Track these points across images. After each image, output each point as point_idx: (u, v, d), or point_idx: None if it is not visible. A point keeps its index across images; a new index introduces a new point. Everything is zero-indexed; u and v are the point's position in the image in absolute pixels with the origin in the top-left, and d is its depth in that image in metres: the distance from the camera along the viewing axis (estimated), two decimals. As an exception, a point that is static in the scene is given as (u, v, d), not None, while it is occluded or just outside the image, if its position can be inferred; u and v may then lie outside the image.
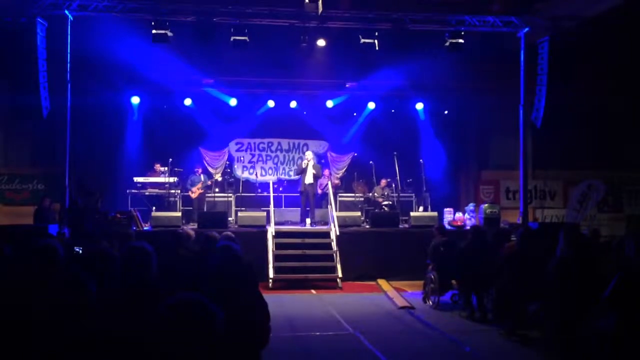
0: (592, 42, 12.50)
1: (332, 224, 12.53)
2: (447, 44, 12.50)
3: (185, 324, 2.10)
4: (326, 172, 15.72)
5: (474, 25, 12.49)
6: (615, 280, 5.04)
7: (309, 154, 14.08)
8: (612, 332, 4.98)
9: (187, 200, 14.64)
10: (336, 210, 13.28)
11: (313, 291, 11.25)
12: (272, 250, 11.82)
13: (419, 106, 16.56)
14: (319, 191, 15.22)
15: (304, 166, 13.53)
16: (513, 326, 7.56)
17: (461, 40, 12.42)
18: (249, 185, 16.33)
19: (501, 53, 14.11)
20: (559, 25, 12.37)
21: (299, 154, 16.82)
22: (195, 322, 2.11)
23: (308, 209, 13.67)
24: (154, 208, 13.23)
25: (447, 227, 12.60)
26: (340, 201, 14.77)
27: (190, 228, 10.76)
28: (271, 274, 11.45)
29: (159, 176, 14.28)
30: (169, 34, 11.90)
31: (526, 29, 12.58)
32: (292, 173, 16.27)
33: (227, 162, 16.58)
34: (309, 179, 13.43)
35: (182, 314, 2.13)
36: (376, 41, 12.27)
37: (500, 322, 7.86)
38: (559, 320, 6.10)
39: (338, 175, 16.37)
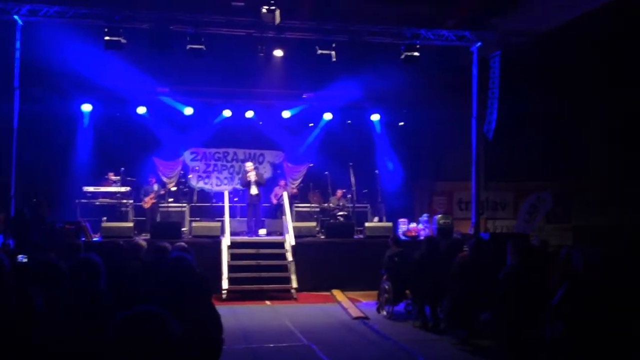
0: (541, 57, 12.89)
1: (288, 234, 12.50)
2: (403, 56, 12.68)
3: (142, 337, 2.04)
4: (282, 182, 15.71)
5: (428, 39, 12.73)
6: (563, 289, 5.18)
7: (249, 165, 14.15)
8: (559, 340, 5.11)
9: (140, 211, 14.36)
10: (292, 221, 13.24)
11: (267, 302, 11.18)
12: (227, 261, 11.70)
13: (375, 117, 16.75)
14: (274, 201, 15.20)
15: (248, 178, 13.55)
16: (465, 335, 7.67)
17: (416, 53, 12.62)
18: (203, 195, 16.15)
19: (456, 66, 14.42)
20: (509, 40, 12.72)
21: (255, 164, 16.74)
22: (153, 335, 2.05)
23: (254, 218, 13.70)
24: (104, 218, 12.92)
25: (402, 237, 12.73)
26: (295, 211, 14.74)
27: (143, 239, 10.50)
28: (225, 285, 11.32)
29: (112, 185, 13.96)
30: (123, 41, 11.70)
31: (478, 44, 12.89)
32: (238, 185, 16.04)
33: (182, 172, 16.34)
34: (254, 190, 13.47)
35: (139, 326, 2.06)
36: (333, 52, 12.36)
37: (452, 332, 7.97)
38: (509, 329, 6.22)
39: (294, 186, 16.36)
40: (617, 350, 4.86)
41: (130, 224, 12.67)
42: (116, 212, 13.62)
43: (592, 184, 17.14)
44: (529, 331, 5.97)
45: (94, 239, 11.89)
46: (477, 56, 13.10)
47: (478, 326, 7.46)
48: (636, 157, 15.96)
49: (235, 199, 15.37)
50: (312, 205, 15.31)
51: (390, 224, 13.67)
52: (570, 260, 6.72)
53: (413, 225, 14.05)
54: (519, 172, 16.70)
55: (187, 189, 15.58)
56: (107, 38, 11.63)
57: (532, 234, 14.83)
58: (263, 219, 14.49)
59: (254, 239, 13.17)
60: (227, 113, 16.07)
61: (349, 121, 16.78)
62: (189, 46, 11.91)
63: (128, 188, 13.94)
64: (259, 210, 13.87)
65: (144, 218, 14.26)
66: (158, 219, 14.05)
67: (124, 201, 13.80)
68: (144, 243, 7.66)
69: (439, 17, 13.64)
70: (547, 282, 6.27)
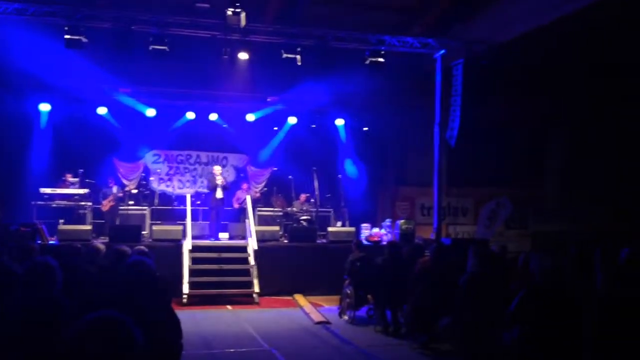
0: (502, 66, 13.13)
1: (250, 238, 12.43)
2: (368, 62, 12.75)
3: (104, 343, 1.97)
4: (244, 186, 15.63)
5: (393, 45, 12.82)
6: (520, 295, 5.27)
7: (217, 169, 14.05)
8: (516, 344, 5.19)
9: (98, 213, 14.04)
10: (255, 225, 13.18)
11: (229, 307, 11.07)
12: (188, 265, 11.56)
13: (340, 122, 16.78)
14: (236, 205, 15.11)
15: (216, 182, 13.48)
16: (426, 340, 7.73)
17: (381, 59, 12.70)
18: (165, 198, 15.90)
19: (420, 73, 14.58)
20: (472, 49, 12.91)
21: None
22: (115, 342, 1.99)
23: (223, 222, 13.60)
24: (61, 221, 12.61)
25: (364, 242, 12.78)
26: (259, 215, 14.68)
27: (101, 242, 10.32)
28: (186, 290, 11.18)
29: (70, 187, 13.64)
30: (84, 40, 11.45)
31: (442, 51, 13.04)
32: (202, 188, 15.85)
33: (143, 174, 16.08)
34: (219, 193, 13.39)
35: (100, 333, 2.00)
36: (298, 56, 12.33)
37: (413, 336, 8.02)
38: (469, 334, 6.29)
39: (257, 189, 16.27)
40: (572, 354, 4.96)
41: (88, 227, 12.40)
42: (74, 215, 13.31)
43: (547, 192, 17.61)
44: (489, 336, 6.06)
45: (50, 242, 11.58)
46: (441, 63, 13.25)
47: (438, 331, 7.54)
48: (585, 167, 16.56)
49: (198, 202, 15.20)
50: (276, 209, 15.26)
51: (353, 229, 13.72)
52: (528, 266, 6.86)
53: (376, 230, 14.12)
54: (480, 178, 16.99)
55: (148, 192, 15.34)
56: (67, 37, 11.36)
57: (492, 239, 15.08)
58: (225, 222, 14.39)
59: (216, 242, 13.04)
60: (190, 115, 15.89)
61: (314, 125, 16.79)
62: (151, 47, 11.72)
63: (86, 190, 13.63)
64: (221, 214, 13.78)
65: (103, 221, 13.96)
66: (117, 222, 13.79)
67: (82, 203, 13.48)
68: (102, 247, 7.52)
69: (403, 24, 13.77)
70: (506, 288, 6.38)
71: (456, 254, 9.22)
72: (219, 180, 13.54)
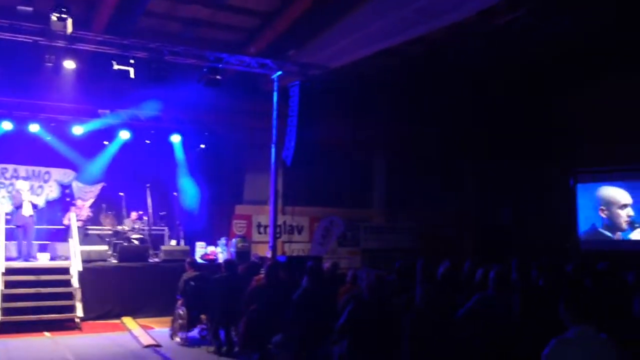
0: (335, 90, 13.75)
1: (74, 259, 11.60)
2: (205, 79, 12.61)
3: None
4: (78, 202, 14.61)
5: (231, 63, 12.81)
6: (348, 309, 5.48)
7: (22, 185, 12.96)
8: (344, 358, 5.38)
9: None
10: (80, 244, 12.31)
11: (47, 333, 10.19)
12: (0, 290, 10.47)
13: (176, 139, 16.32)
14: (66, 222, 14.00)
15: (22, 198, 12.37)
16: (258, 358, 7.72)
17: (218, 77, 12.62)
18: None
19: (258, 93, 14.76)
20: (307, 72, 13.35)
21: (40, 182, 15.30)
22: None
23: (25, 242, 12.47)
24: None
25: (200, 260, 12.55)
26: (85, 235, 13.74)
27: None
28: (-4, 317, 10.12)
29: None
30: None
31: (279, 73, 13.31)
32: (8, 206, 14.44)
33: (-54, 189, 14.32)
34: (27, 210, 12.28)
35: None
36: (131, 69, 11.80)
37: (245, 355, 7.99)
38: (299, 349, 6.40)
39: (85, 205, 15.22)
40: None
41: None
42: None
43: (374, 210, 18.75)
44: (319, 351, 6.20)
45: None
46: (278, 84, 13.51)
47: (270, 348, 7.58)
48: (408, 190, 17.98)
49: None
50: (105, 227, 14.42)
51: (187, 247, 13.43)
52: (356, 281, 7.17)
53: (211, 248, 13.92)
54: (315, 197, 17.55)
55: (-49, 209, 13.68)
56: None
57: (325, 256, 15.59)
58: (47, 242, 13.25)
59: (34, 264, 11.94)
60: (6, 125, 14.41)
61: (148, 141, 16.13)
62: (-39, 47, 10.55)
63: None
64: (32, 233, 12.52)
65: None
66: None
67: None
68: None
69: (241, 43, 13.87)
70: (336, 303, 6.60)
71: (291, 271, 9.40)
72: (25, 196, 12.39)
